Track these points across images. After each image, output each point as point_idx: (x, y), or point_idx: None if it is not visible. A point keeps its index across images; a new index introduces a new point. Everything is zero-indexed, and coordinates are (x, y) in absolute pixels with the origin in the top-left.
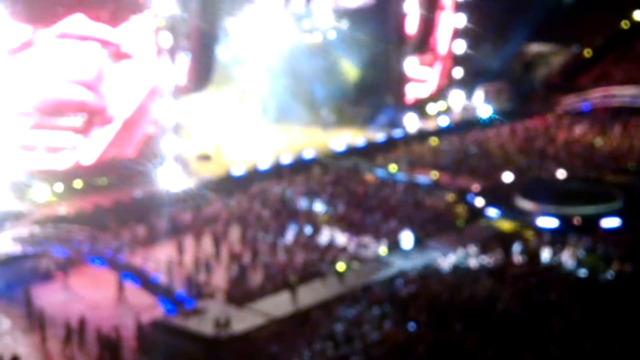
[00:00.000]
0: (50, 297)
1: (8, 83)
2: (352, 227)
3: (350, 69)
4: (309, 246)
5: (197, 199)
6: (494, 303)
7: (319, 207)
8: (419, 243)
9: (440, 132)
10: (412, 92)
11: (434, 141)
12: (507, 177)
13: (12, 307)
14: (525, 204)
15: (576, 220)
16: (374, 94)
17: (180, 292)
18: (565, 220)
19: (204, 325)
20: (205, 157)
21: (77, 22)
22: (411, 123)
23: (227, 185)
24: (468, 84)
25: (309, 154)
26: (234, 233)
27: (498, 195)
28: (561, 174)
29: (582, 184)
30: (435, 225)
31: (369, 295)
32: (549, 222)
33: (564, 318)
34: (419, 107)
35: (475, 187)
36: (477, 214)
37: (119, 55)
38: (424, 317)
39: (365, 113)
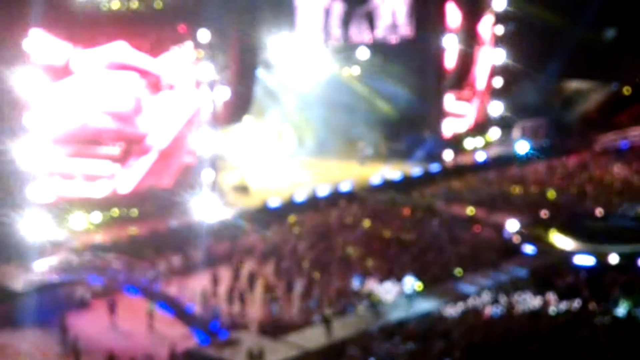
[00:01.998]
0: (86, 325)
1: (48, 110)
2: (387, 261)
3: (388, 103)
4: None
5: (233, 229)
6: (529, 341)
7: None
8: (453, 279)
9: (477, 168)
10: (450, 127)
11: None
12: (544, 214)
13: (48, 335)
14: (562, 241)
15: (613, 259)
16: (412, 128)
17: (214, 322)
18: (602, 258)
19: (237, 357)
20: (242, 188)
21: (119, 49)
22: (448, 158)
23: (264, 216)
24: (506, 120)
25: (345, 187)
26: (269, 264)
27: (535, 231)
28: (599, 211)
29: (620, 221)
30: (471, 261)
31: (403, 330)
32: (586, 260)
33: (600, 358)
34: (457, 142)
35: (513, 223)
36: (513, 250)
37: (158, 86)
38: (459, 353)
39: (402, 147)
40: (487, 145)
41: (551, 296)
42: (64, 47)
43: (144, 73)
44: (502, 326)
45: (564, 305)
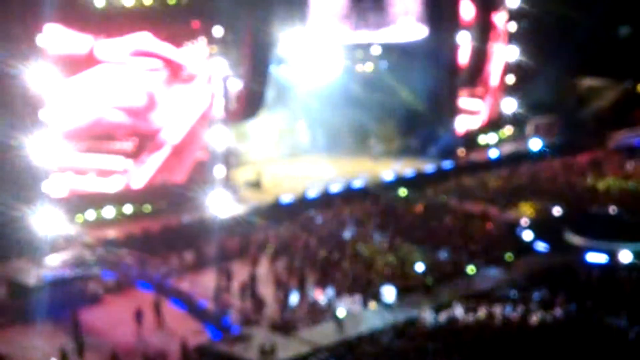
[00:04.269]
0: (98, 321)
1: (62, 105)
2: (398, 258)
3: (401, 99)
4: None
5: (246, 225)
6: (544, 336)
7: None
8: (466, 276)
9: (490, 165)
10: (463, 124)
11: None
12: (557, 211)
13: (60, 330)
14: (574, 239)
15: (626, 257)
16: (425, 124)
17: (226, 318)
18: (614, 256)
19: (249, 352)
20: (255, 184)
21: (143, 39)
22: (461, 155)
23: (276, 212)
24: (519, 117)
25: (358, 184)
26: (282, 260)
27: (547, 229)
28: (612, 209)
29: (633, 219)
30: (484, 258)
31: (416, 326)
32: (598, 258)
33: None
34: (470, 138)
35: (525, 220)
36: (525, 247)
37: (177, 76)
38: (471, 351)
39: (415, 144)
40: (501, 142)
41: (562, 294)
42: (84, 39)
43: (168, 62)
44: (513, 324)
45: (575, 304)
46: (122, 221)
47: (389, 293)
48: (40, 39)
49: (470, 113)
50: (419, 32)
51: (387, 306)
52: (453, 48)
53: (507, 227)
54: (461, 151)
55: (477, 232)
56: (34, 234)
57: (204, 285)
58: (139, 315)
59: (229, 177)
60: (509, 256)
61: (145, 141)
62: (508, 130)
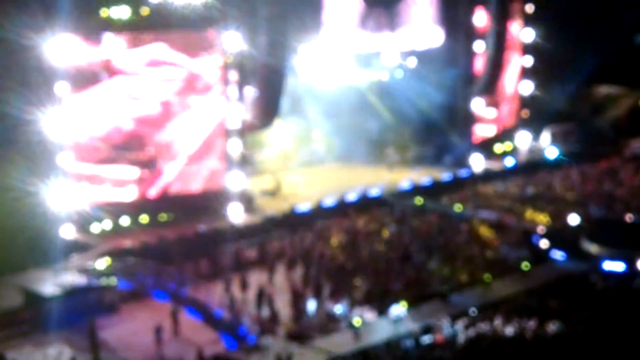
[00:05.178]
0: (114, 330)
1: (78, 115)
2: (414, 267)
3: (417, 108)
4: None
5: (261, 234)
6: (560, 346)
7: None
8: (483, 285)
9: (506, 173)
10: (478, 132)
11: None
12: (573, 219)
13: (76, 339)
14: (591, 247)
15: None
16: (441, 133)
17: (242, 327)
18: (632, 264)
19: None
20: (271, 193)
21: (159, 49)
22: (477, 163)
23: (292, 221)
24: (535, 125)
25: (374, 192)
26: (298, 270)
27: (564, 237)
28: (629, 217)
29: None
30: (499, 267)
31: (432, 335)
32: (615, 266)
33: None
34: (486, 147)
35: (541, 228)
36: (542, 256)
37: (195, 86)
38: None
39: (431, 152)
40: (516, 150)
41: (579, 303)
42: (100, 50)
43: (182, 71)
44: (529, 334)
45: (591, 313)
46: (138, 231)
47: (404, 302)
48: (60, 48)
49: (486, 121)
50: (434, 38)
51: (403, 315)
52: (469, 56)
53: (524, 235)
54: (477, 163)
55: (493, 241)
56: (50, 243)
57: (219, 294)
58: (158, 331)
59: (244, 186)
60: (525, 265)
61: (161, 151)
62: (524, 138)
